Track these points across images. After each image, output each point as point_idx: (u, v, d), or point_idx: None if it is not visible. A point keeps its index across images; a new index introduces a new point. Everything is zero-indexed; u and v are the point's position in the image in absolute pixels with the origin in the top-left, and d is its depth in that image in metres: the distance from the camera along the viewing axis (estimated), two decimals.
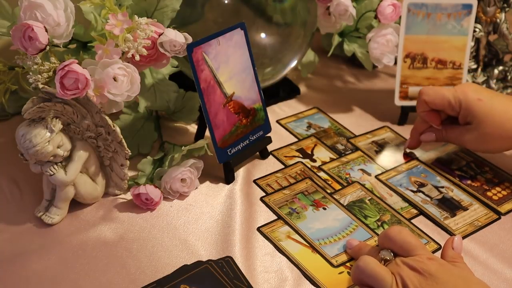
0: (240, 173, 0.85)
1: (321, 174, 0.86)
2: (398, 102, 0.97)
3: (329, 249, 0.74)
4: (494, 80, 1.06)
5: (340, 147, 0.92)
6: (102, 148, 0.76)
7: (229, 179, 0.83)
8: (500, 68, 1.06)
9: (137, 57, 0.73)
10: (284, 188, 0.83)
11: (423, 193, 0.83)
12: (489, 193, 0.84)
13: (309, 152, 0.90)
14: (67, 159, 0.74)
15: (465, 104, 0.83)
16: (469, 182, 0.86)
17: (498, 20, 1.02)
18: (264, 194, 0.82)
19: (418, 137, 0.89)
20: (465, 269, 0.66)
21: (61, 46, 0.74)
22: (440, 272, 0.63)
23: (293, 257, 0.72)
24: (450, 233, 0.77)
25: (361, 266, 0.66)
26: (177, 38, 0.75)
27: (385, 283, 0.64)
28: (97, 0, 0.74)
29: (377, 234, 0.76)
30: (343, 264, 0.72)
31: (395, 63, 0.97)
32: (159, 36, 0.75)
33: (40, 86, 0.70)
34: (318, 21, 0.99)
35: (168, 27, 0.77)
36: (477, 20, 1.02)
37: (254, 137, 0.85)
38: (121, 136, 0.75)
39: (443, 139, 0.88)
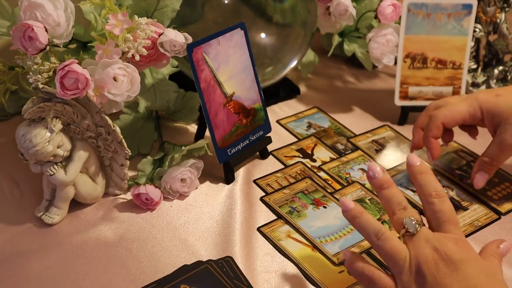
0: (240, 173, 0.85)
1: (321, 174, 0.86)
2: (398, 102, 0.97)
3: (330, 247, 0.74)
4: (494, 80, 1.06)
5: (340, 146, 0.92)
6: (102, 148, 0.76)
7: (229, 179, 0.83)
8: (500, 68, 1.06)
9: (137, 57, 0.73)
10: (284, 187, 0.83)
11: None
12: (489, 193, 0.84)
13: (309, 152, 0.90)
14: (67, 159, 0.74)
15: (485, 106, 0.79)
16: (469, 181, 0.86)
17: (498, 20, 1.02)
18: (264, 194, 0.82)
19: (437, 143, 0.83)
20: (494, 265, 0.62)
21: (61, 46, 0.74)
22: (464, 263, 0.59)
23: (293, 256, 0.72)
24: None
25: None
26: (177, 38, 0.75)
27: (398, 260, 0.61)
28: (97, 0, 0.74)
29: None
30: (343, 262, 0.72)
31: (395, 63, 0.97)
32: (159, 36, 0.75)
33: (40, 86, 0.70)
34: (318, 21, 0.99)
35: (168, 27, 0.77)
36: (477, 20, 1.02)
37: (254, 137, 0.85)
38: (121, 136, 0.75)
39: (494, 165, 0.80)
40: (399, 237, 0.63)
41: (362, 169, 0.87)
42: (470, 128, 0.85)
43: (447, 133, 0.84)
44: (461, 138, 0.92)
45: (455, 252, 0.60)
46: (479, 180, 0.80)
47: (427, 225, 0.64)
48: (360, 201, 0.81)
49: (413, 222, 0.62)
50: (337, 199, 0.81)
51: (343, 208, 0.66)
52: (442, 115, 0.81)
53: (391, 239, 0.62)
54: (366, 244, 0.75)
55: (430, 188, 0.65)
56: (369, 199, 0.82)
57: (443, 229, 0.63)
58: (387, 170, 0.87)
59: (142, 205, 0.78)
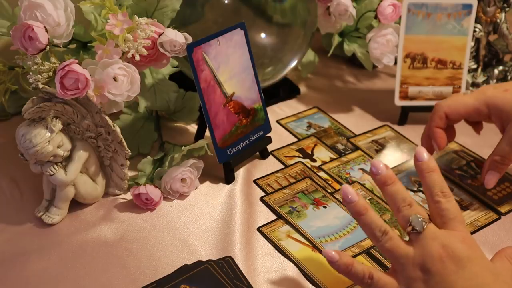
0: (240, 173, 0.85)
1: (321, 174, 0.86)
2: (398, 102, 0.97)
3: (330, 247, 0.73)
4: (494, 80, 1.06)
5: (340, 146, 0.92)
6: (102, 148, 0.76)
7: (229, 179, 0.83)
8: (500, 68, 1.06)
9: (137, 57, 0.73)
10: (284, 187, 0.83)
11: (423, 192, 0.83)
12: (489, 193, 0.84)
13: (309, 152, 0.90)
14: (67, 159, 0.74)
15: (492, 102, 0.77)
16: (469, 181, 0.86)
17: (498, 20, 1.02)
18: (264, 194, 0.82)
19: (442, 133, 0.81)
20: (505, 268, 0.61)
21: (61, 46, 0.74)
22: (471, 261, 0.59)
23: (293, 256, 0.72)
24: None
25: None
26: (177, 38, 0.75)
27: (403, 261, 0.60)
28: (97, 0, 0.74)
29: None
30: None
31: (395, 63, 0.97)
32: (159, 36, 0.75)
33: (40, 86, 0.70)
34: (318, 21, 0.99)
35: (168, 27, 0.77)
36: (477, 20, 1.02)
37: (254, 137, 0.85)
38: (121, 136, 0.75)
39: (506, 163, 0.78)
40: (405, 234, 0.62)
41: (362, 169, 0.87)
42: (475, 122, 0.84)
43: (449, 131, 0.82)
44: (461, 138, 0.92)
45: (462, 250, 0.59)
46: (490, 180, 0.79)
47: None
48: None
49: (420, 220, 0.61)
50: (338, 199, 0.81)
51: (346, 199, 0.64)
52: (445, 105, 0.79)
53: (394, 237, 0.62)
54: (366, 244, 0.75)
55: (437, 187, 0.64)
56: (369, 199, 0.82)
57: (449, 227, 0.62)
58: None
59: (142, 205, 0.78)
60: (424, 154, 0.66)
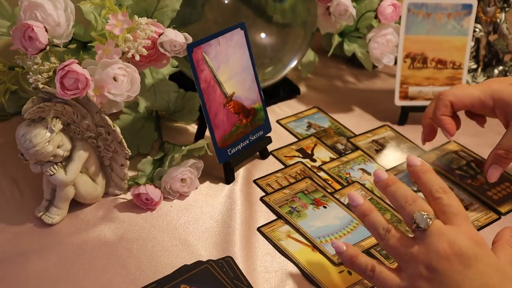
0: (240, 173, 0.85)
1: (321, 174, 0.86)
2: (398, 102, 0.97)
3: (330, 247, 0.74)
4: None
5: (340, 146, 0.92)
6: (102, 148, 0.76)
7: (229, 179, 0.83)
8: (500, 68, 1.06)
9: (137, 57, 0.73)
10: (284, 187, 0.83)
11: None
12: (489, 193, 0.84)
13: (309, 152, 0.90)
14: (67, 159, 0.74)
15: (498, 95, 0.75)
16: (469, 181, 0.86)
17: (498, 20, 1.03)
18: (264, 194, 0.82)
19: (450, 119, 0.78)
20: (508, 259, 0.61)
21: (61, 46, 0.74)
22: (478, 260, 0.58)
23: (293, 256, 0.72)
24: None
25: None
26: (177, 38, 0.75)
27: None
28: (97, 0, 0.74)
29: None
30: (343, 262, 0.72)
31: (395, 63, 0.97)
32: (159, 36, 0.75)
33: (40, 86, 0.70)
34: (318, 21, 0.99)
35: (168, 27, 0.77)
36: (477, 20, 1.02)
37: (254, 137, 0.85)
38: (121, 136, 0.75)
39: (510, 157, 0.76)
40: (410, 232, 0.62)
41: (362, 169, 0.87)
42: (478, 116, 0.82)
43: (454, 120, 0.79)
44: (461, 138, 0.92)
45: (468, 248, 0.58)
46: (493, 174, 0.77)
47: None
48: None
49: (424, 217, 0.60)
50: (338, 199, 0.81)
51: (352, 203, 0.66)
52: (451, 93, 0.77)
53: (398, 235, 0.62)
54: (366, 244, 0.75)
55: (436, 184, 0.64)
56: (369, 199, 0.82)
57: (453, 223, 0.61)
58: (387, 170, 0.87)
59: (142, 205, 0.78)
60: (417, 160, 0.66)
